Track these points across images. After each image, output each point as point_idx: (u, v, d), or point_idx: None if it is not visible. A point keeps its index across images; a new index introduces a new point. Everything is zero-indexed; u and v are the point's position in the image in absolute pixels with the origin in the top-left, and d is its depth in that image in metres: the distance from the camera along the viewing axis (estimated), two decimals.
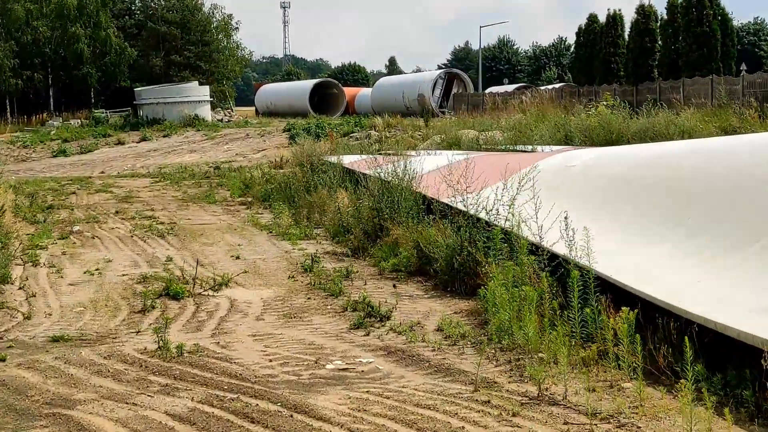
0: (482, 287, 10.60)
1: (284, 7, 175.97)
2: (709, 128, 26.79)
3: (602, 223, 10.65)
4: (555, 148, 26.15)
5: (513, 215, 10.69)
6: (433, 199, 14.01)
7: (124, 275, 13.98)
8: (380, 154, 27.04)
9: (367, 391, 7.73)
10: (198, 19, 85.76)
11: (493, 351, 8.83)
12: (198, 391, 7.82)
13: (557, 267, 9.75)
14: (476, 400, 7.32)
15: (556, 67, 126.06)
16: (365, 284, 12.63)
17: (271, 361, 8.88)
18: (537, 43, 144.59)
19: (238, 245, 16.76)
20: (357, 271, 13.33)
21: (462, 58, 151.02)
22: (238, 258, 15.28)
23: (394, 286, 12.38)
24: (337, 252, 15.63)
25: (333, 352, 9.17)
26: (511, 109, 45.23)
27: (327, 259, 14.74)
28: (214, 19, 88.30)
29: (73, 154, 47.84)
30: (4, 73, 75.68)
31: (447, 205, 12.86)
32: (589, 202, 11.76)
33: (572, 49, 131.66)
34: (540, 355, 8.40)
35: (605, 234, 10.17)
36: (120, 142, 52.34)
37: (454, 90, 74.60)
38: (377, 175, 16.10)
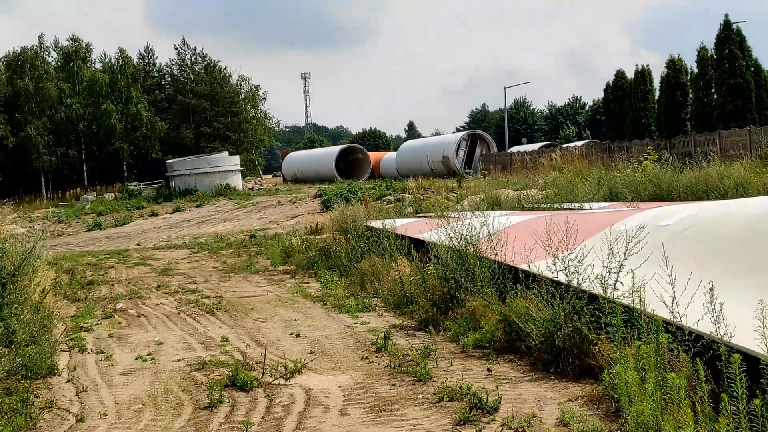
0: (598, 369, 8.97)
1: (305, 78, 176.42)
2: (763, 179, 25.23)
3: (731, 291, 8.94)
4: (603, 204, 24.63)
5: (634, 288, 8.93)
6: (522, 270, 12.28)
7: (179, 360, 12.39)
8: (427, 216, 25.67)
9: None
10: (226, 90, 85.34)
11: None
12: None
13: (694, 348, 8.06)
14: None
15: (573, 125, 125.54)
16: (451, 365, 10.86)
17: None
18: (552, 102, 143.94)
19: (295, 320, 15.17)
20: (436, 349, 11.57)
21: (479, 120, 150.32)
22: (298, 336, 13.67)
23: (489, 369, 10.58)
24: (403, 326, 13.96)
25: None
26: (542, 168, 43.91)
27: (395, 334, 13.06)
28: (242, 90, 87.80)
29: (108, 227, 47.06)
30: (39, 150, 75.31)
31: (543, 276, 11.03)
32: (705, 266, 10.03)
33: (587, 107, 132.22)
34: None
35: (737, 304, 8.49)
36: (154, 214, 51.75)
37: (478, 151, 73.46)
38: (448, 242, 14.42)
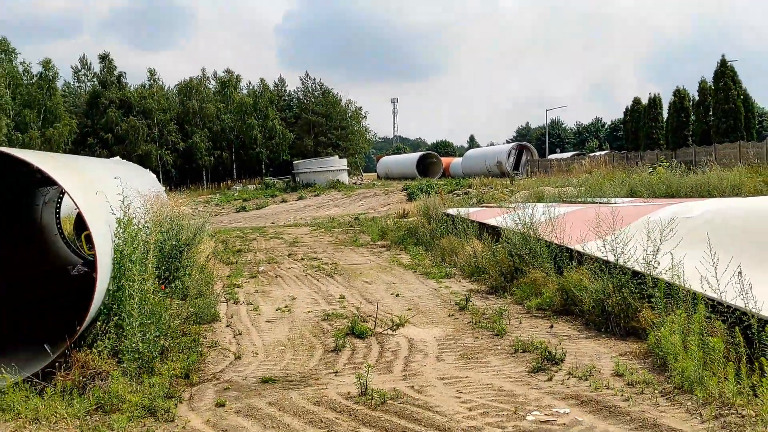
0: (642, 331, 8.33)
1: (393, 102, 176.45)
2: (754, 182, 24.01)
3: (746, 269, 8.18)
4: (626, 199, 23.58)
5: (673, 266, 8.24)
6: (575, 251, 11.60)
7: (309, 312, 12.06)
8: (488, 206, 25.01)
9: None
10: (337, 110, 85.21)
11: (689, 403, 6.42)
12: None
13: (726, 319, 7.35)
14: None
15: (596, 139, 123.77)
16: (520, 323, 10.29)
17: (470, 410, 6.67)
18: (579, 122, 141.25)
19: (393, 283, 14.71)
20: (507, 309, 10.99)
21: (524, 134, 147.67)
22: (397, 296, 13.22)
23: (551, 327, 9.96)
24: (478, 290, 13.38)
25: (527, 401, 6.89)
26: (575, 171, 42.72)
27: (472, 297, 12.46)
28: (349, 110, 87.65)
29: (250, 210, 47.19)
30: (201, 153, 76.38)
31: (595, 257, 10.34)
32: (725, 250, 9.25)
33: (606, 126, 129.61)
34: (747, 411, 5.98)
35: (754, 281, 7.74)
36: (284, 201, 51.78)
37: (524, 158, 71.92)
38: (515, 227, 13.79)
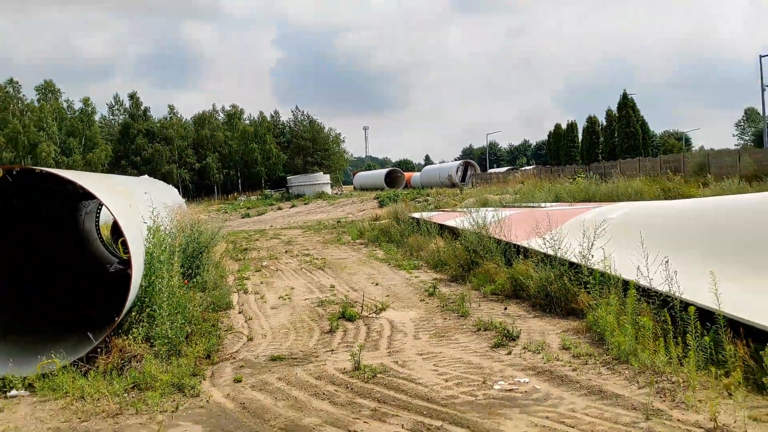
0: (579, 311, 8.08)
1: (365, 129, 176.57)
2: (653, 189, 23.94)
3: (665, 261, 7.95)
4: (553, 204, 23.48)
5: (605, 258, 7.98)
6: (522, 246, 11.32)
7: (306, 299, 11.63)
8: (444, 211, 24.75)
9: (546, 417, 5.17)
10: (321, 136, 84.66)
11: (626, 372, 6.14)
12: (405, 418, 5.35)
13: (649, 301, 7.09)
14: (655, 430, 4.73)
15: (525, 157, 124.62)
16: (479, 306, 9.95)
17: (446, 381, 6.33)
18: (512, 143, 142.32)
19: (372, 274, 14.32)
20: (467, 295, 10.60)
21: (468, 153, 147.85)
22: (377, 284, 12.83)
23: (505, 308, 9.64)
24: (441, 279, 13.04)
25: (492, 372, 6.55)
26: (510, 182, 42.68)
27: (438, 285, 12.14)
28: (330, 136, 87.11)
29: (253, 216, 46.42)
30: (213, 171, 75.45)
31: (540, 252, 10.05)
32: (641, 244, 9.03)
33: (533, 146, 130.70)
34: (676, 378, 5.72)
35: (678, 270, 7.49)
36: (279, 208, 51.06)
37: (470, 172, 71.90)
38: (471, 228, 13.49)
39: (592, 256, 8.64)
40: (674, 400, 5.28)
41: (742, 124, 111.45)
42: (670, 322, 6.03)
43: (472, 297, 10.64)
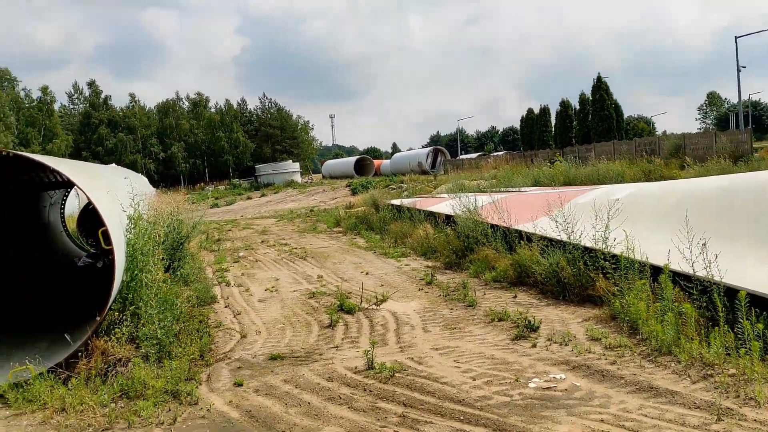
0: (597, 298, 7.56)
1: (332, 117, 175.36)
2: (633, 171, 23.74)
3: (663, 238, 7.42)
4: (533, 188, 23.00)
5: (628, 242, 7.44)
6: (527, 233, 10.71)
7: (294, 291, 10.91)
8: (424, 196, 24.18)
9: (601, 420, 4.59)
10: (290, 124, 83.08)
11: (672, 365, 5.57)
12: (439, 425, 4.72)
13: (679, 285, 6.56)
14: None
15: (492, 143, 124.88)
16: (484, 294, 9.35)
17: (474, 379, 5.70)
18: (479, 130, 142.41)
19: (359, 263, 13.65)
20: (467, 282, 9.97)
21: (436, 140, 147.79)
22: (367, 274, 12.15)
23: (515, 296, 9.05)
24: (434, 266, 12.42)
25: (522, 368, 5.92)
26: (483, 167, 42.32)
27: (431, 272, 11.56)
28: (299, 124, 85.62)
29: (221, 206, 45.33)
30: (178, 160, 73.58)
31: (549, 237, 9.45)
32: (654, 225, 8.51)
33: (500, 132, 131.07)
34: (734, 371, 5.18)
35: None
36: (249, 198, 49.88)
37: (439, 159, 71.42)
38: (464, 214, 12.91)
39: (613, 239, 8.09)
40: (739, 396, 4.77)
41: (704, 107, 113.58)
42: (721, 310, 5.47)
43: (474, 285, 10.04)
